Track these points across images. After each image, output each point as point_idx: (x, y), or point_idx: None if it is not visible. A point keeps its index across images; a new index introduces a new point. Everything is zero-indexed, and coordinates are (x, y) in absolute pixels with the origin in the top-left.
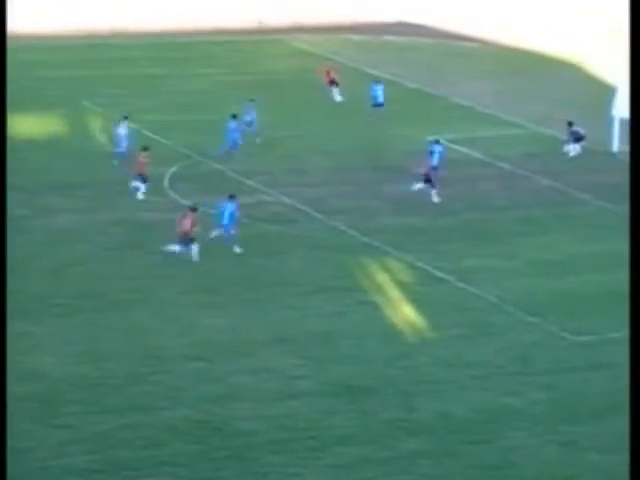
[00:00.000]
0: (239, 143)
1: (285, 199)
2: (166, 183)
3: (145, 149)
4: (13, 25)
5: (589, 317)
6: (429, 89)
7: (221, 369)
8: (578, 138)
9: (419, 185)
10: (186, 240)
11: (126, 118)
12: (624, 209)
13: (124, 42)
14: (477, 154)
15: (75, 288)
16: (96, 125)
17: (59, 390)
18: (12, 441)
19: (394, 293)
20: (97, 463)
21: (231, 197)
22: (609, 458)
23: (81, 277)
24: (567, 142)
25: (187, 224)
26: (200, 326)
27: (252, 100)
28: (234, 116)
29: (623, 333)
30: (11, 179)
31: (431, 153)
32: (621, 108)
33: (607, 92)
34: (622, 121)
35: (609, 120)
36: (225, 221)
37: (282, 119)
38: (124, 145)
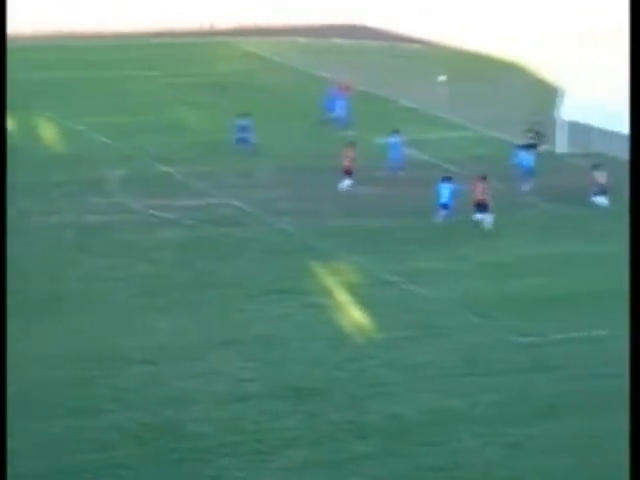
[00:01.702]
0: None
1: (233, 201)
2: (112, 185)
3: None
4: None
5: (536, 319)
6: (377, 91)
7: (169, 372)
8: (533, 145)
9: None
10: None
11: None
12: (572, 211)
13: (67, 44)
14: (424, 156)
15: (20, 290)
16: (42, 128)
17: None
18: None
19: (342, 295)
20: (45, 467)
21: None
22: (554, 460)
23: (26, 280)
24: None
25: None
26: (148, 329)
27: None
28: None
29: (568, 335)
30: None
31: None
32: (568, 110)
33: (554, 94)
34: (570, 124)
35: (560, 123)
36: None
37: (226, 121)
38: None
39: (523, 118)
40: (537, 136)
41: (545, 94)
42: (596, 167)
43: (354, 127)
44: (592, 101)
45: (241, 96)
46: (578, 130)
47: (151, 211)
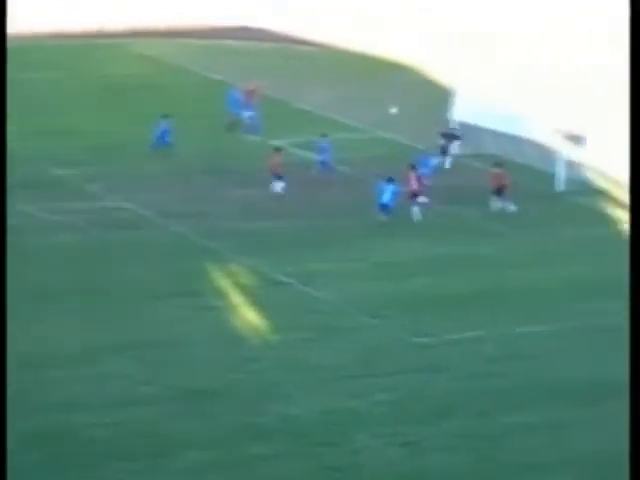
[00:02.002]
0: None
1: (128, 204)
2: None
3: None
4: None
5: (431, 319)
6: (270, 93)
7: (63, 376)
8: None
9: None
10: None
11: None
12: (464, 212)
13: None
14: (319, 158)
15: None
16: None
17: None
18: None
19: (237, 298)
20: None
21: None
22: (450, 458)
23: None
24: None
25: None
26: (41, 334)
27: None
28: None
29: (463, 335)
30: None
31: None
32: (459, 111)
33: (446, 95)
34: (461, 124)
35: (452, 123)
36: None
37: (121, 124)
38: None
39: (417, 119)
40: (449, 139)
41: (438, 95)
42: (498, 165)
43: (261, 131)
44: (483, 102)
45: (138, 99)
46: (469, 131)
47: (45, 215)
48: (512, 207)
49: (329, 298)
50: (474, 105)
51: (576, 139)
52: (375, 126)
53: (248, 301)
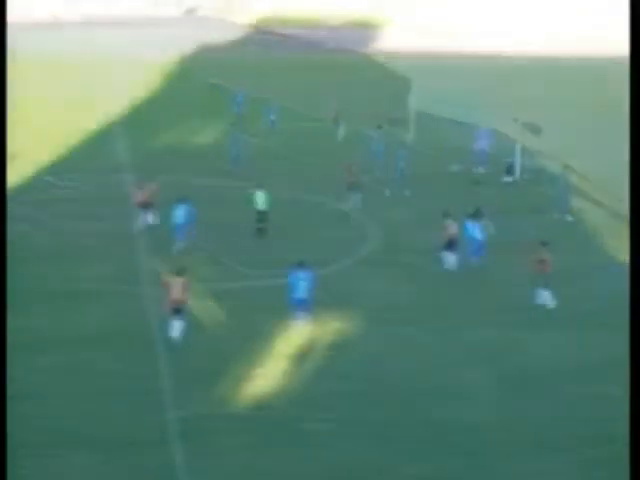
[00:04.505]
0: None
1: None
2: None
3: None
4: None
5: None
6: None
7: None
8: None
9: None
10: None
11: None
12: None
13: None
14: None
15: None
16: None
17: None
18: None
19: None
20: None
21: None
22: None
23: None
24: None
25: None
26: None
27: None
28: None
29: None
30: None
31: None
32: (418, 101)
33: (405, 86)
34: (419, 113)
35: (411, 113)
36: None
37: None
38: None
39: (376, 109)
40: (392, 123)
41: (396, 86)
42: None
43: None
44: (441, 91)
45: None
46: (426, 119)
47: None
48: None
49: None
50: (432, 94)
51: (534, 128)
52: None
53: None
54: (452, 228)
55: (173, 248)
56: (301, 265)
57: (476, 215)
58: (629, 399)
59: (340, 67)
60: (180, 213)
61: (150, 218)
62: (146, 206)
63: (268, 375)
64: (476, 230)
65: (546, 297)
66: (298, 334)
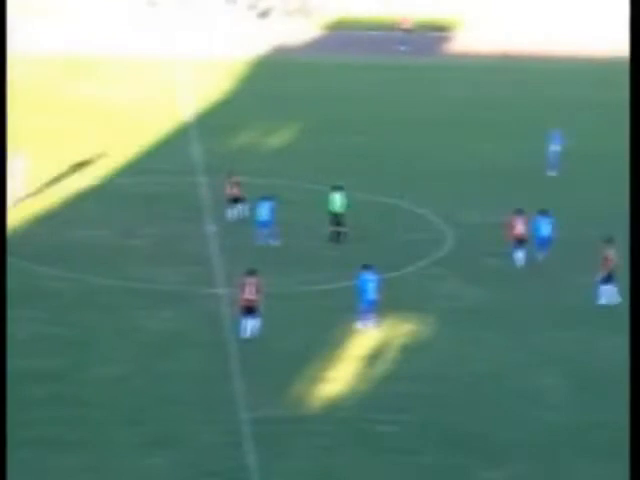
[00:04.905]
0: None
1: None
2: None
3: None
4: None
5: None
6: None
7: None
8: None
9: None
10: None
11: None
12: None
13: None
14: None
15: None
16: None
17: None
18: None
19: None
20: None
21: None
22: None
23: None
24: None
25: None
26: None
27: None
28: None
29: None
30: None
31: None
32: None
33: None
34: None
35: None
36: None
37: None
38: None
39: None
40: None
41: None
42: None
43: None
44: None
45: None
46: None
47: None
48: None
49: None
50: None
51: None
52: None
53: None
54: (521, 225)
55: (256, 244)
56: (368, 267)
57: (545, 212)
58: (629, 399)
59: (414, 69)
60: (264, 211)
61: (238, 212)
62: (235, 200)
63: (340, 377)
64: (545, 225)
65: (611, 295)
66: (370, 336)
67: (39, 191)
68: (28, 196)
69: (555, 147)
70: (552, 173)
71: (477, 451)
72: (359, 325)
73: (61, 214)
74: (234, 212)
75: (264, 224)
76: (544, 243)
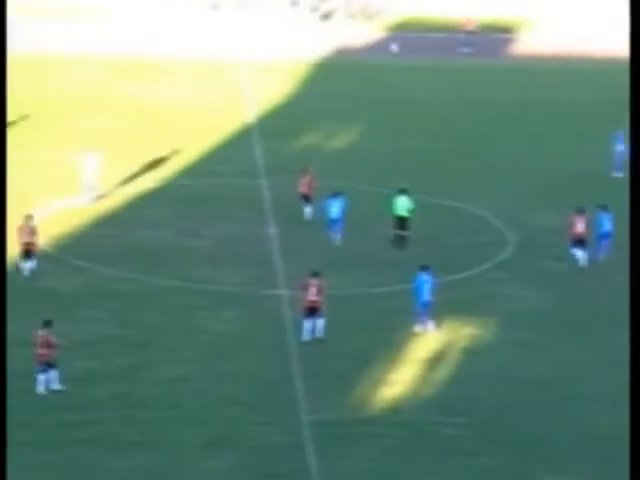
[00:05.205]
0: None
1: None
2: None
3: None
4: None
5: None
6: None
7: None
8: None
9: None
10: None
11: None
12: None
13: None
14: None
15: None
16: None
17: None
18: None
19: None
20: None
21: None
22: None
23: None
24: None
25: None
26: None
27: None
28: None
29: None
30: None
31: None
32: None
33: None
34: None
35: None
36: None
37: None
38: None
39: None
40: None
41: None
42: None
43: None
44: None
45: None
46: None
47: None
48: None
49: None
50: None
51: None
52: None
53: None
54: (582, 224)
55: (331, 243)
56: (425, 268)
57: (605, 207)
58: (629, 399)
59: (477, 71)
60: (334, 209)
61: (309, 211)
62: (306, 199)
63: (402, 380)
64: (606, 221)
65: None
66: (431, 339)
67: (108, 192)
68: (100, 197)
69: (621, 148)
70: (618, 174)
71: (541, 455)
72: (417, 328)
73: (124, 215)
74: (307, 210)
75: (334, 221)
76: (604, 239)
